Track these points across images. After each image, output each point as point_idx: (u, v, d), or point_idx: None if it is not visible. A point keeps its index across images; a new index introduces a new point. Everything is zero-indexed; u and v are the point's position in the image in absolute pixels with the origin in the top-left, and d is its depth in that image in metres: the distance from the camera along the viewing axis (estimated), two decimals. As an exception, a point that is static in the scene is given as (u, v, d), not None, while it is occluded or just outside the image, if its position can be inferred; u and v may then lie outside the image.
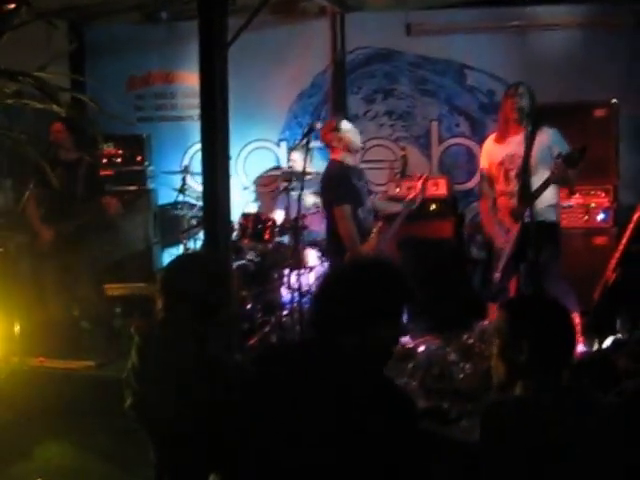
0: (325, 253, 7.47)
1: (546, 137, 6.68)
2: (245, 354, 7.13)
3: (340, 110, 9.52)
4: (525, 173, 6.39)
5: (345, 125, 7.28)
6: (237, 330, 7.14)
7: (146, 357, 3.62)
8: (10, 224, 8.17)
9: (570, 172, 6.37)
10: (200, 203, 8.82)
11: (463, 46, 9.57)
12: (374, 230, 7.18)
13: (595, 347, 6.75)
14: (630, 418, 3.10)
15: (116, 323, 8.41)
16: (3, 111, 3.45)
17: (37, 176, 7.49)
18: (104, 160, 9.21)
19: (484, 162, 7.16)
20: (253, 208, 9.21)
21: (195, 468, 3.52)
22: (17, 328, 6.83)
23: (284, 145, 10.09)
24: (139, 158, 9.68)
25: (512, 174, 6.75)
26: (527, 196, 6.33)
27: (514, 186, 6.70)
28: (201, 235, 8.99)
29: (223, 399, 3.36)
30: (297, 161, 7.36)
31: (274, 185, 9.66)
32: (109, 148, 9.29)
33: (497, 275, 6.71)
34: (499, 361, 3.21)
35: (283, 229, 8.46)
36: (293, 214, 7.84)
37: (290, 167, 8.81)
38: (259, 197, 9.97)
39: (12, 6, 3.87)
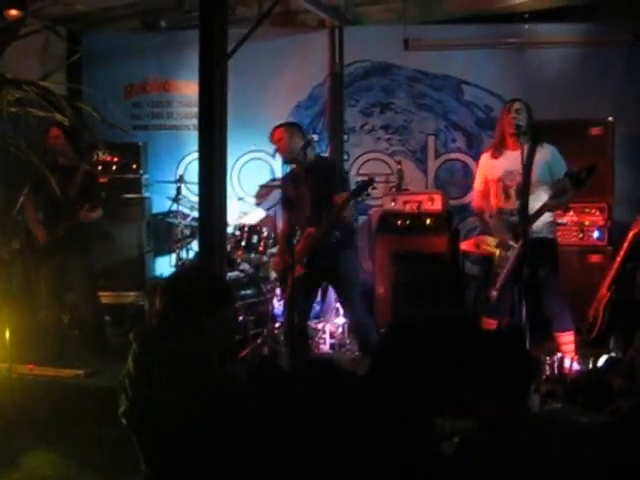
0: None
1: (546, 154, 6.73)
2: (237, 365, 7.15)
3: (337, 123, 9.54)
4: (525, 191, 6.41)
5: None
6: (230, 341, 7.15)
7: (141, 363, 3.63)
8: (2, 229, 8.15)
9: (570, 194, 6.41)
10: (194, 213, 8.86)
11: (461, 61, 9.62)
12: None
13: (589, 366, 6.79)
14: (625, 436, 3.10)
15: (106, 332, 8.41)
16: (6, 118, 3.47)
17: (33, 181, 7.51)
18: (99, 167, 9.19)
19: (479, 177, 7.19)
20: (248, 219, 9.21)
21: (186, 478, 3.53)
22: (7, 335, 6.81)
23: (279, 157, 10.09)
24: (134, 166, 9.68)
25: (512, 191, 6.78)
26: (527, 216, 6.36)
27: (514, 204, 6.72)
28: (194, 245, 9.01)
29: (215, 408, 3.37)
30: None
31: (270, 195, 9.69)
32: (104, 156, 9.28)
33: (494, 293, 6.72)
34: None
35: (277, 240, 8.48)
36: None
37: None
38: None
39: (16, 14, 3.90)
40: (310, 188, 7.11)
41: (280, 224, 8.44)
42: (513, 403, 3.14)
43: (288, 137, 7.25)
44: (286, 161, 7.39)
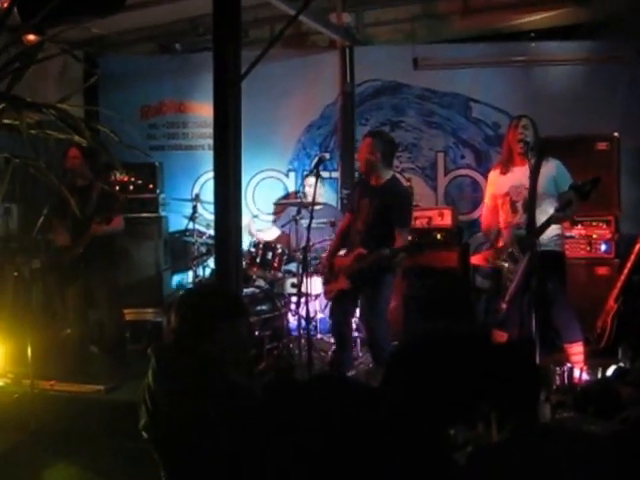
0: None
1: (551, 168, 6.73)
2: (254, 379, 7.15)
3: (348, 141, 9.56)
4: (532, 204, 6.41)
5: None
6: (246, 355, 7.16)
7: (161, 378, 3.64)
8: (22, 249, 8.19)
9: (575, 206, 6.41)
10: (210, 231, 8.87)
11: (469, 80, 9.65)
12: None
13: (599, 375, 6.77)
14: (634, 444, 3.09)
15: (128, 347, 8.43)
16: (26, 141, 3.49)
17: (52, 202, 7.54)
18: (117, 187, 9.24)
19: (489, 194, 7.20)
20: (263, 236, 9.22)
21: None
22: (29, 351, 6.83)
23: (293, 175, 10.14)
24: (151, 186, 9.72)
25: (518, 205, 6.79)
26: (534, 229, 6.35)
27: (521, 217, 6.73)
28: (210, 262, 9.03)
29: (233, 421, 3.38)
30: (312, 187, 7.32)
31: (283, 213, 9.71)
32: (122, 176, 9.32)
33: (503, 306, 6.72)
34: None
35: (291, 257, 8.50)
36: (302, 242, 7.89)
37: (304, 193, 8.85)
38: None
39: (35, 39, 3.93)
40: (372, 206, 7.05)
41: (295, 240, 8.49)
42: (524, 413, 3.14)
43: (369, 151, 7.04)
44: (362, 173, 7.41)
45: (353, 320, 7.88)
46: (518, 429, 3.08)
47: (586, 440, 3.10)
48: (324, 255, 7.69)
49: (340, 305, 7.32)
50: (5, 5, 3.76)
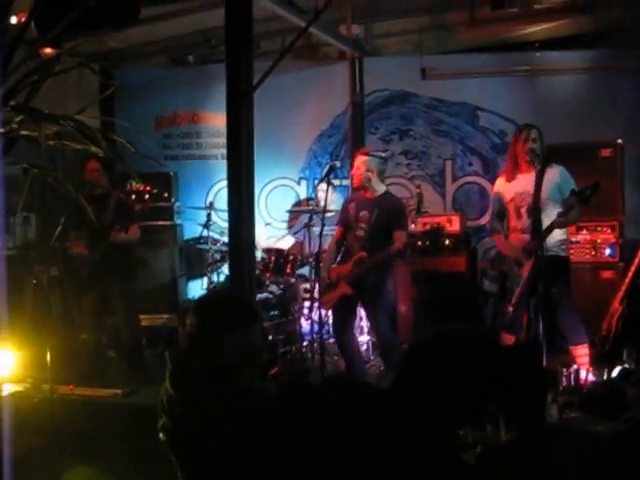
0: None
1: (555, 175, 6.74)
2: (268, 382, 7.16)
3: (358, 150, 9.56)
4: (536, 209, 6.41)
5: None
6: (261, 360, 7.18)
7: (177, 381, 3.65)
8: (40, 257, 8.22)
9: (577, 211, 6.42)
10: (224, 238, 8.89)
11: (476, 89, 9.67)
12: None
13: (604, 377, 6.77)
14: (635, 445, 3.09)
15: (145, 352, 8.45)
16: (45, 151, 3.50)
17: (69, 212, 7.56)
18: (133, 196, 9.27)
19: (495, 202, 7.21)
20: (275, 243, 9.25)
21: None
22: (48, 357, 6.86)
23: (304, 183, 10.16)
24: (166, 195, 9.76)
25: (523, 210, 6.80)
26: (538, 233, 6.36)
27: (525, 222, 6.75)
28: (224, 268, 9.05)
29: (248, 424, 3.39)
30: (324, 192, 7.45)
31: (296, 221, 9.73)
32: (138, 185, 9.36)
33: (510, 309, 6.73)
34: None
35: (304, 263, 8.51)
36: (314, 248, 7.90)
37: (316, 200, 8.88)
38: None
39: (51, 52, 3.94)
40: (373, 215, 7.22)
41: (308, 247, 8.50)
42: (531, 414, 3.14)
43: (364, 168, 7.30)
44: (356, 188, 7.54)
45: (362, 325, 7.93)
46: (526, 430, 3.08)
47: (591, 440, 3.10)
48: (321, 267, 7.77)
49: (339, 315, 7.44)
50: (23, 19, 3.78)
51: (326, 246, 7.55)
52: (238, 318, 3.75)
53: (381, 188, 7.39)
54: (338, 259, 7.52)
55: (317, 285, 7.38)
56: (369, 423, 2.83)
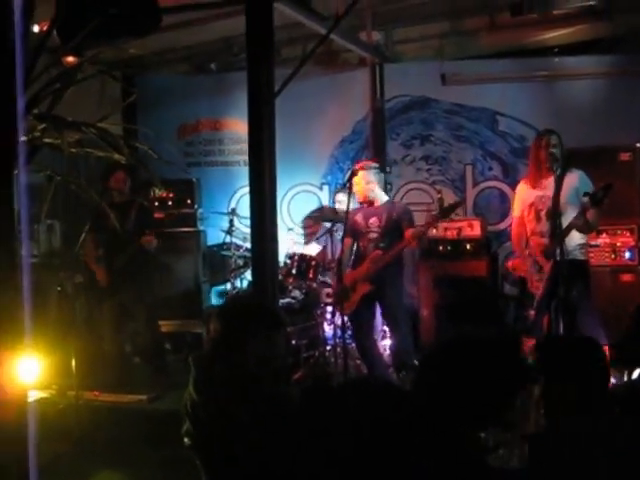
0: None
1: (574, 179, 6.72)
2: (291, 387, 7.13)
3: (380, 155, 9.54)
4: (555, 213, 6.38)
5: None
6: (284, 364, 7.15)
7: (201, 386, 3.63)
8: (65, 265, 8.23)
9: (592, 214, 6.37)
10: (246, 244, 8.87)
11: (496, 94, 9.62)
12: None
13: (624, 378, 6.73)
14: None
15: (169, 358, 8.44)
16: (67, 159, 3.49)
17: (93, 219, 7.56)
18: (156, 203, 9.28)
19: (517, 208, 7.18)
20: (297, 248, 9.23)
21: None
22: (73, 364, 6.86)
23: (326, 189, 10.13)
24: (189, 201, 9.75)
25: (542, 214, 6.80)
26: (557, 237, 6.32)
27: (544, 226, 6.74)
28: (247, 274, 9.04)
29: (271, 428, 3.37)
30: (342, 202, 7.54)
31: (317, 226, 9.71)
32: (161, 192, 9.36)
33: (532, 312, 6.72)
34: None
35: (326, 268, 8.50)
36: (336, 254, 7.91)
37: (336, 208, 8.89)
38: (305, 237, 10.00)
39: (74, 61, 3.93)
40: (383, 219, 7.44)
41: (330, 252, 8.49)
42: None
43: (364, 182, 7.49)
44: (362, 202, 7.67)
45: (384, 329, 7.95)
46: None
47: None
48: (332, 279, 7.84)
49: (359, 320, 7.58)
50: (45, 28, 3.77)
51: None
52: (261, 324, 3.72)
53: (384, 197, 7.67)
54: (350, 265, 7.63)
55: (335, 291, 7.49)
56: (391, 426, 2.79)
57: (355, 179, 7.36)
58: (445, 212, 7.23)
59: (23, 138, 2.93)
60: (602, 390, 3.19)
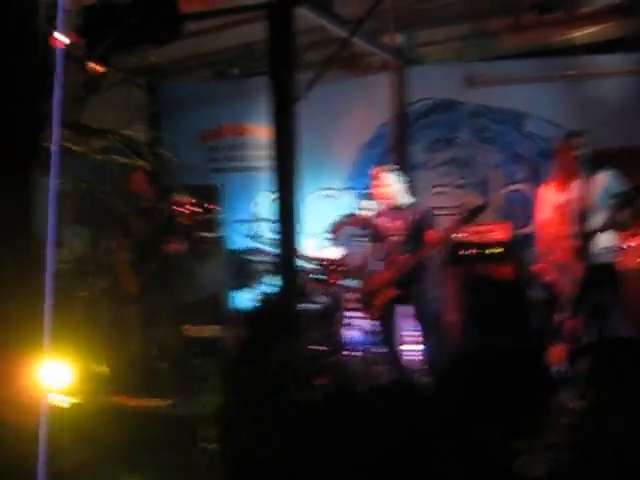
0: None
1: (603, 180, 6.70)
2: (314, 393, 7.21)
3: (403, 159, 9.59)
4: (583, 215, 6.41)
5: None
6: (307, 369, 7.24)
7: (226, 392, 3.73)
8: (93, 270, 8.35)
9: (624, 214, 6.38)
10: (268, 249, 8.95)
11: (521, 95, 9.63)
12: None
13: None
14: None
15: (194, 363, 8.53)
16: (93, 165, 3.61)
17: (123, 225, 7.69)
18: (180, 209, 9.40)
19: (543, 211, 7.19)
20: (320, 253, 9.29)
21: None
22: (100, 369, 6.97)
23: (350, 193, 10.18)
24: (211, 206, 9.84)
25: (570, 217, 6.77)
26: (586, 238, 6.35)
27: (573, 228, 6.72)
28: (270, 279, 9.11)
29: (294, 432, 3.45)
30: (367, 209, 7.58)
31: (342, 231, 9.76)
32: (184, 198, 9.47)
33: (560, 316, 6.72)
34: None
35: (349, 273, 8.55)
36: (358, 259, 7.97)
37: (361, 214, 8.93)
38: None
39: (98, 69, 4.04)
40: (407, 222, 7.46)
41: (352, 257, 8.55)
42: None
43: (388, 184, 7.56)
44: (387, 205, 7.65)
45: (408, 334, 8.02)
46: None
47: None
48: (356, 286, 7.89)
49: (386, 323, 7.60)
50: (72, 39, 3.87)
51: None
52: (285, 329, 3.82)
53: (408, 199, 7.66)
54: (376, 269, 7.66)
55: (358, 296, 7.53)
56: (418, 432, 2.86)
57: (378, 182, 7.46)
58: (469, 216, 7.27)
59: (55, 147, 3.02)
60: None
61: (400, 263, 7.37)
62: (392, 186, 7.52)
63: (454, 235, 7.80)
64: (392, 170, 7.67)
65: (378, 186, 7.47)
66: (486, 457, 2.84)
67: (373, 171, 7.74)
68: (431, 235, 7.31)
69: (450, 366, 3.10)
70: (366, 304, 7.46)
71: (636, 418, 3.10)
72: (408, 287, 7.39)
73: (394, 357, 7.57)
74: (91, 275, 8.20)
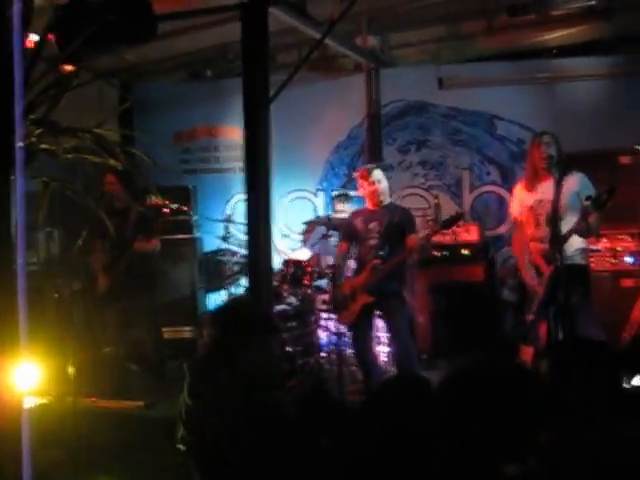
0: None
1: (574, 182, 6.71)
2: (286, 394, 7.20)
3: (376, 161, 9.57)
4: (555, 218, 6.42)
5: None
6: (279, 371, 7.23)
7: (195, 393, 3.70)
8: (64, 271, 8.30)
9: (594, 218, 6.40)
10: (242, 250, 8.93)
11: (493, 97, 9.68)
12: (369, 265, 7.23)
13: (624, 385, 6.77)
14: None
15: (168, 364, 8.49)
16: (63, 165, 3.57)
17: (91, 225, 7.65)
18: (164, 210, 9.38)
19: (515, 209, 7.20)
20: (292, 254, 9.29)
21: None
22: (71, 370, 6.91)
23: (322, 195, 10.19)
24: (185, 208, 9.80)
25: (542, 219, 6.79)
26: (557, 240, 6.37)
27: (544, 231, 6.74)
28: (243, 280, 9.09)
29: (265, 434, 3.44)
30: (342, 211, 7.48)
31: (312, 233, 9.77)
32: (157, 199, 9.44)
33: (530, 317, 6.74)
34: None
35: (321, 274, 8.54)
36: (331, 260, 7.95)
37: (333, 216, 8.90)
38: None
39: (71, 68, 4.01)
40: (384, 223, 7.25)
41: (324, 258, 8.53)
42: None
43: (384, 180, 7.36)
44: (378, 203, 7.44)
45: (379, 335, 7.99)
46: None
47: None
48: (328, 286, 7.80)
49: (358, 328, 7.39)
50: (42, 37, 3.85)
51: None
52: (256, 329, 3.80)
53: (388, 199, 7.47)
54: (349, 273, 7.56)
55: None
56: (390, 434, 2.85)
57: (374, 177, 7.25)
58: (447, 223, 7.17)
59: (20, 144, 2.99)
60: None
61: (373, 269, 7.18)
62: (383, 183, 7.29)
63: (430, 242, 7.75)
64: (381, 167, 7.52)
65: (369, 185, 7.27)
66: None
67: (360, 171, 7.56)
68: (412, 241, 7.12)
69: (438, 388, 3.01)
70: (340, 310, 7.35)
71: (597, 417, 3.11)
72: (382, 294, 7.20)
73: (363, 361, 7.42)
74: (62, 276, 8.14)
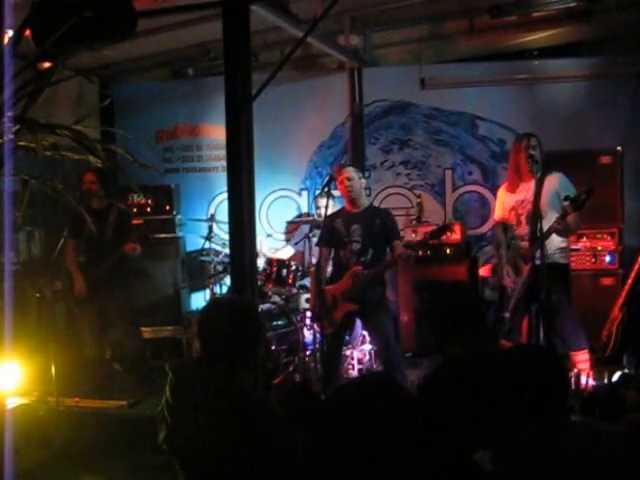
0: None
1: (554, 182, 6.74)
2: (270, 392, 7.17)
3: (358, 160, 9.56)
4: (535, 217, 6.43)
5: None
6: (264, 369, 7.19)
7: (179, 393, 3.66)
8: (45, 271, 8.25)
9: (573, 218, 6.40)
10: (226, 250, 8.89)
11: (475, 98, 9.67)
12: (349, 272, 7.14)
13: (604, 381, 6.81)
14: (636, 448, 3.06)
15: (147, 364, 8.45)
16: (43, 163, 3.52)
17: (71, 225, 7.59)
18: (134, 209, 9.29)
19: (498, 212, 7.21)
20: (274, 253, 9.26)
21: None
22: (53, 370, 6.86)
23: (305, 194, 10.16)
24: (167, 207, 9.75)
25: (523, 218, 6.82)
26: (536, 239, 6.37)
27: (525, 229, 6.77)
28: (227, 280, 9.05)
29: (250, 433, 3.40)
30: (323, 207, 7.41)
31: (296, 231, 9.75)
32: (139, 198, 9.38)
33: (507, 315, 6.76)
34: None
35: (305, 273, 8.51)
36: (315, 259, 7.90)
37: (317, 214, 8.86)
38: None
39: (49, 65, 3.95)
40: (366, 228, 7.17)
41: (308, 257, 8.47)
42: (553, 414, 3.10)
43: (357, 178, 7.25)
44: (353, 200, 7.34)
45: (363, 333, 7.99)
46: (546, 428, 3.04)
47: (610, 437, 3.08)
48: (310, 296, 7.74)
49: (338, 335, 7.33)
50: (26, 33, 3.80)
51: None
52: (243, 320, 3.76)
53: (367, 201, 7.48)
54: (329, 277, 7.45)
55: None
56: (387, 439, 2.80)
57: (345, 175, 7.18)
58: (435, 234, 7.05)
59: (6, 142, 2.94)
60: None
61: (354, 277, 7.08)
62: (355, 181, 7.18)
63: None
64: (353, 166, 7.46)
65: (340, 182, 7.21)
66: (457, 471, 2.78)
67: (335, 169, 7.57)
68: (399, 251, 7.00)
69: (431, 374, 2.98)
70: (322, 319, 7.23)
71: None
72: (365, 302, 7.11)
73: (329, 366, 7.26)
74: (43, 276, 8.08)
